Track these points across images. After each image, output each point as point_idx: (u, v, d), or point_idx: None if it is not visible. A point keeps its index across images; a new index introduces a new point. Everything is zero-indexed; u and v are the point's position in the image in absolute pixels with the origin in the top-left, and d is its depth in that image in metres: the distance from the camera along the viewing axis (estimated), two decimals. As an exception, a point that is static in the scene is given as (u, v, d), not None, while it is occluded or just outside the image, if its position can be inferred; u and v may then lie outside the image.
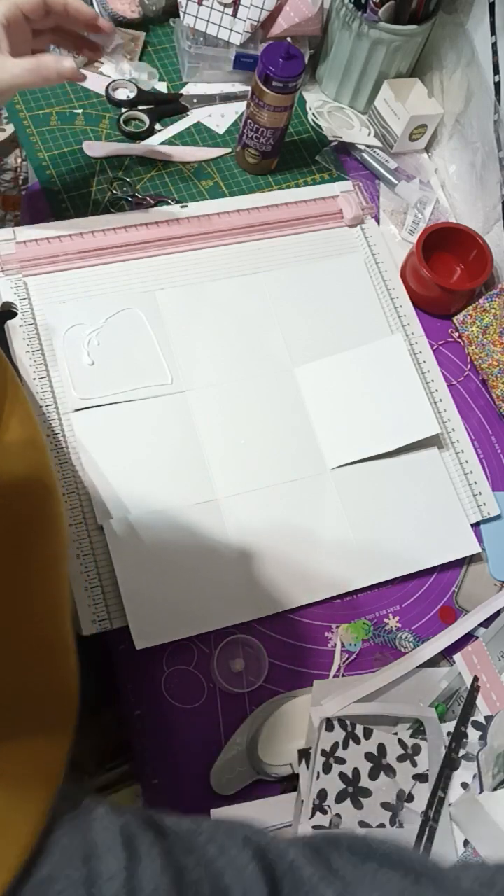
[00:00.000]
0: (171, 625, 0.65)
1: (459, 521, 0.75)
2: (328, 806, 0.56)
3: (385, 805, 0.58)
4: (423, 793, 0.59)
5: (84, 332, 0.75)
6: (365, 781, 0.58)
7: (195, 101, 0.92)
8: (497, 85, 0.79)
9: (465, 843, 0.56)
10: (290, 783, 0.64)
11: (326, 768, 0.58)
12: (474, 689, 0.62)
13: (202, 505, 0.71)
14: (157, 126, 0.90)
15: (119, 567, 0.66)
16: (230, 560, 0.69)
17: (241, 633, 0.67)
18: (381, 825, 0.57)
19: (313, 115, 0.94)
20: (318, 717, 0.59)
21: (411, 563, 0.73)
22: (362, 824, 0.56)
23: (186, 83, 0.93)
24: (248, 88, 0.81)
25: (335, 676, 0.69)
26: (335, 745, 0.59)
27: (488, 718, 0.61)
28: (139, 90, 0.90)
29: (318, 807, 0.56)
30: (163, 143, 0.90)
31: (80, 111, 0.88)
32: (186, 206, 0.84)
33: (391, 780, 0.59)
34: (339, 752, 0.59)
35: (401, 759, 0.60)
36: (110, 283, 0.78)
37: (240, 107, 0.93)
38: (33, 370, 0.73)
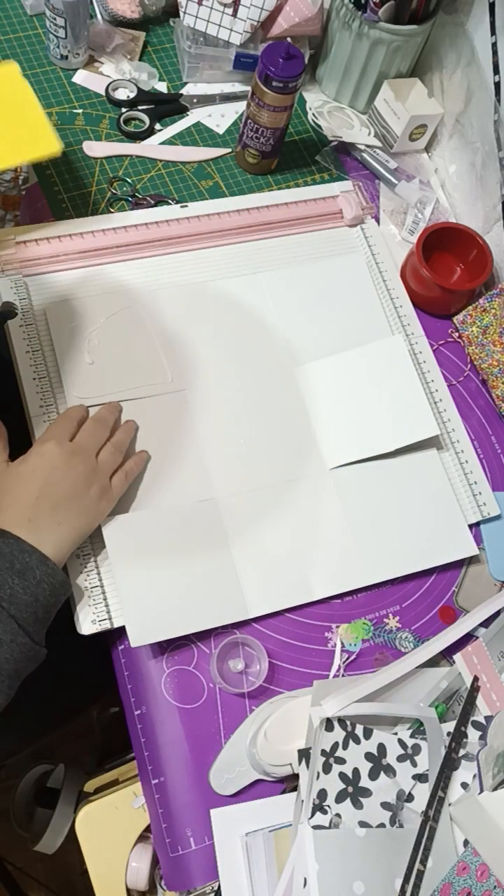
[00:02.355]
0: (168, 623, 0.65)
1: (457, 523, 0.75)
2: (328, 806, 0.56)
3: (385, 805, 0.58)
4: (423, 793, 0.59)
5: (84, 331, 0.75)
6: (365, 781, 0.58)
7: (195, 101, 0.92)
8: (497, 85, 0.79)
9: (465, 843, 0.56)
10: (290, 783, 0.64)
11: (326, 768, 0.58)
12: (474, 689, 0.62)
13: (201, 504, 0.71)
14: (157, 126, 0.90)
15: (117, 565, 0.66)
16: (228, 559, 0.69)
17: (241, 633, 0.67)
18: (381, 825, 0.57)
19: (313, 115, 0.94)
20: (318, 717, 0.59)
21: (410, 563, 0.73)
22: (362, 824, 0.56)
23: (186, 83, 0.93)
24: (248, 88, 0.81)
25: (335, 676, 0.69)
26: (335, 745, 0.59)
27: (488, 718, 0.61)
28: (139, 90, 0.90)
29: (318, 807, 0.56)
30: (163, 143, 0.90)
31: (80, 111, 0.88)
32: (186, 206, 0.84)
33: (391, 780, 0.59)
34: (339, 752, 0.59)
35: (401, 759, 0.60)
36: (110, 283, 0.78)
37: (240, 107, 0.93)
38: (33, 370, 0.73)
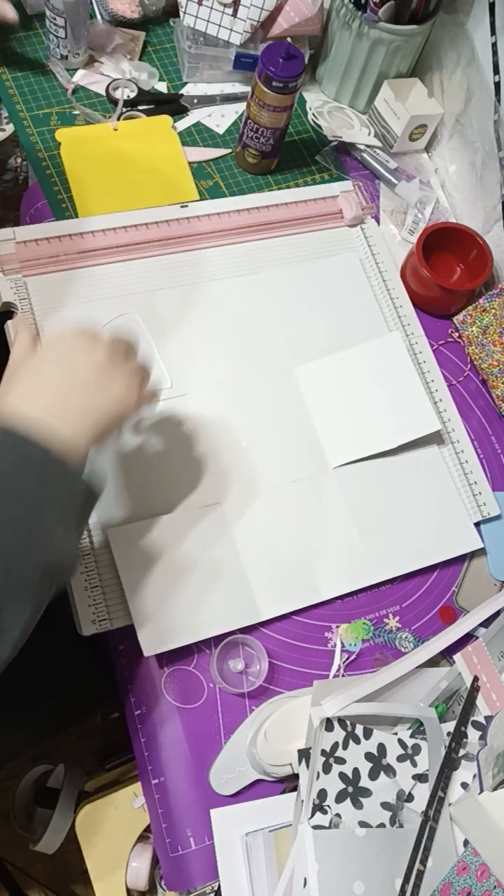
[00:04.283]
0: (177, 630, 0.65)
1: (461, 518, 0.75)
2: (328, 806, 0.56)
3: (385, 805, 0.58)
4: (423, 793, 0.59)
5: None
6: (365, 781, 0.58)
7: (195, 101, 0.92)
8: (497, 85, 0.79)
9: (465, 843, 0.56)
10: (290, 783, 0.64)
11: (326, 768, 0.58)
12: (474, 689, 0.62)
13: (206, 508, 0.70)
14: (157, 126, 0.90)
15: (124, 574, 0.66)
16: (235, 563, 0.69)
17: (241, 633, 0.67)
18: (381, 825, 0.57)
19: (313, 115, 0.94)
20: (318, 717, 0.59)
21: (415, 560, 0.73)
22: (362, 824, 0.56)
23: (186, 83, 0.93)
24: (248, 88, 0.81)
25: (335, 676, 0.69)
26: (335, 745, 0.59)
27: (488, 718, 0.61)
28: (139, 90, 0.90)
29: (318, 807, 0.56)
30: (163, 143, 0.89)
31: (80, 111, 0.88)
32: (186, 207, 0.84)
33: (391, 780, 0.59)
34: (339, 752, 0.59)
35: (401, 759, 0.60)
36: (110, 283, 0.78)
37: (240, 107, 0.93)
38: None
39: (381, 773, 0.59)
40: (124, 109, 0.89)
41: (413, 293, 0.85)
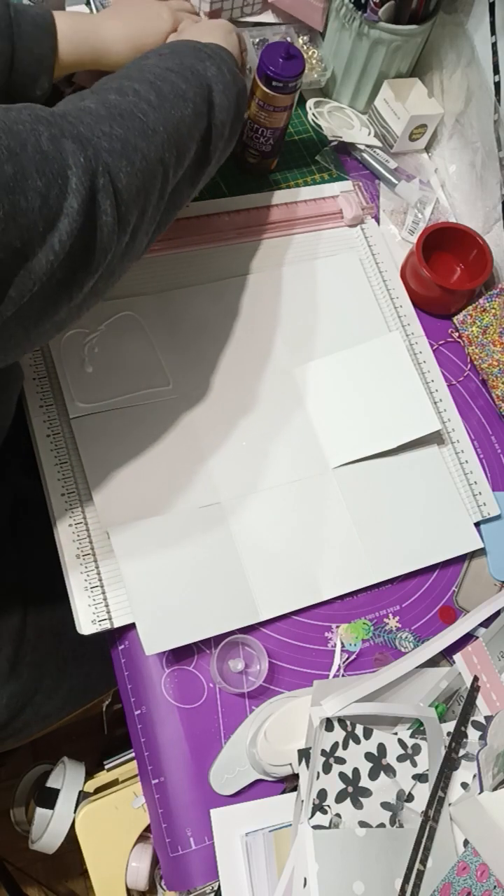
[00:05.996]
0: (178, 629, 0.65)
1: (461, 518, 0.75)
2: (328, 806, 0.56)
3: (385, 805, 0.58)
4: (423, 793, 0.59)
5: (83, 339, 0.75)
6: (365, 781, 0.58)
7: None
8: (497, 85, 0.79)
9: (465, 843, 0.56)
10: (290, 783, 0.64)
11: (326, 768, 0.58)
12: (474, 689, 0.62)
13: (206, 508, 0.70)
14: (157, 126, 0.90)
15: (127, 573, 0.66)
16: (236, 563, 0.69)
17: (241, 633, 0.67)
18: (381, 825, 0.57)
19: (313, 115, 0.94)
20: (318, 717, 0.59)
21: (415, 560, 0.73)
22: (362, 824, 0.56)
23: (186, 83, 0.93)
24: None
25: (335, 676, 0.69)
26: (335, 745, 0.59)
27: (488, 718, 0.61)
28: (139, 90, 0.90)
29: (318, 807, 0.56)
30: (163, 143, 0.89)
31: (80, 111, 0.88)
32: (187, 207, 0.84)
33: (391, 780, 0.59)
34: (339, 752, 0.59)
35: (401, 759, 0.60)
36: (110, 282, 0.78)
37: (240, 107, 0.93)
38: (34, 370, 0.73)
39: (381, 773, 0.59)
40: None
41: (413, 293, 0.85)
